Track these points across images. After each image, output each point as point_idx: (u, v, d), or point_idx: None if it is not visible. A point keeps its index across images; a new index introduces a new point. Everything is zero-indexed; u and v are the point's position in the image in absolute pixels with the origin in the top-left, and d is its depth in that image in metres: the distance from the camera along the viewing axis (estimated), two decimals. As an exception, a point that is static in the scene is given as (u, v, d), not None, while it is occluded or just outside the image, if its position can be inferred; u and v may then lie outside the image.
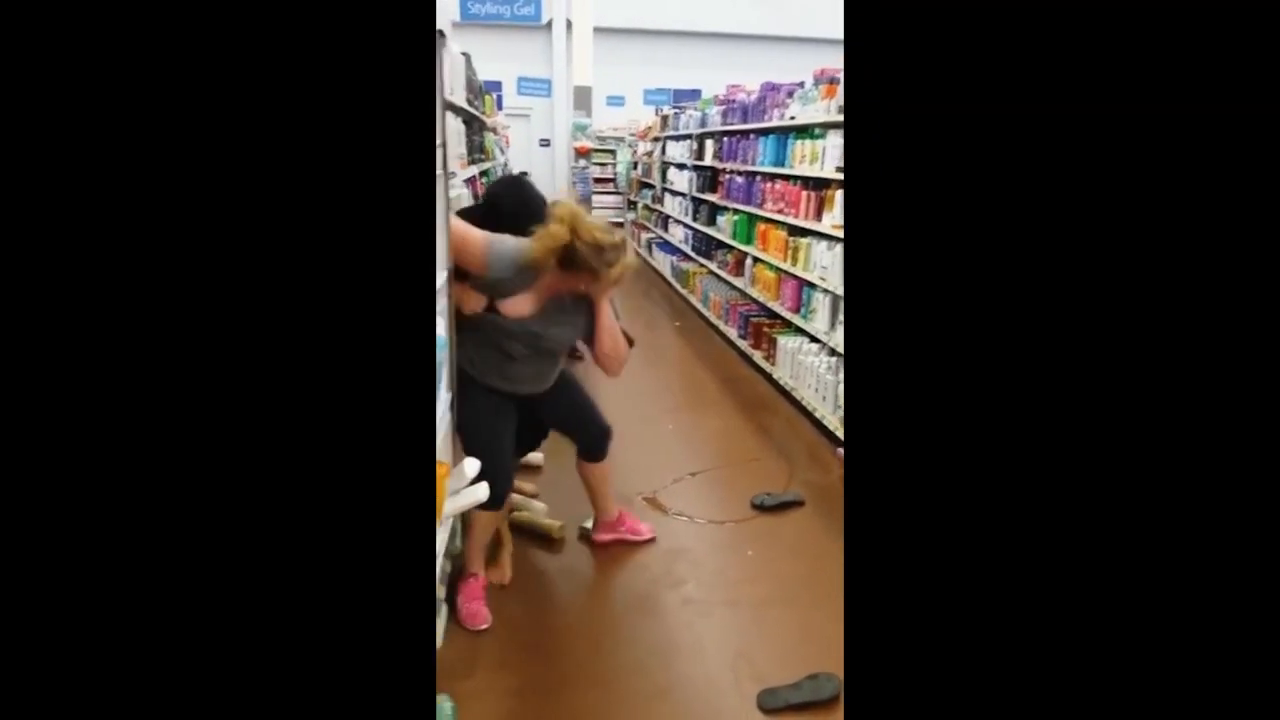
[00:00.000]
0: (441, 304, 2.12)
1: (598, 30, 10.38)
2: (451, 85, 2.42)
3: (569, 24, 10.57)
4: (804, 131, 3.93)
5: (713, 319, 5.46)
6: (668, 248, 7.45)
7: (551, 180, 10.53)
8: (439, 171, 2.12)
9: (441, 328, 1.97)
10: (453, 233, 1.94)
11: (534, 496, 2.83)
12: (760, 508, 2.84)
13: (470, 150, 3.45)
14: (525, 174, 2.46)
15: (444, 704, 1.74)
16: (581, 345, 2.26)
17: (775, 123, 4.35)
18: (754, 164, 4.69)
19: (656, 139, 8.04)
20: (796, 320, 3.99)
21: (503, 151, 6.82)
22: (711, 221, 5.72)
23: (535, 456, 3.14)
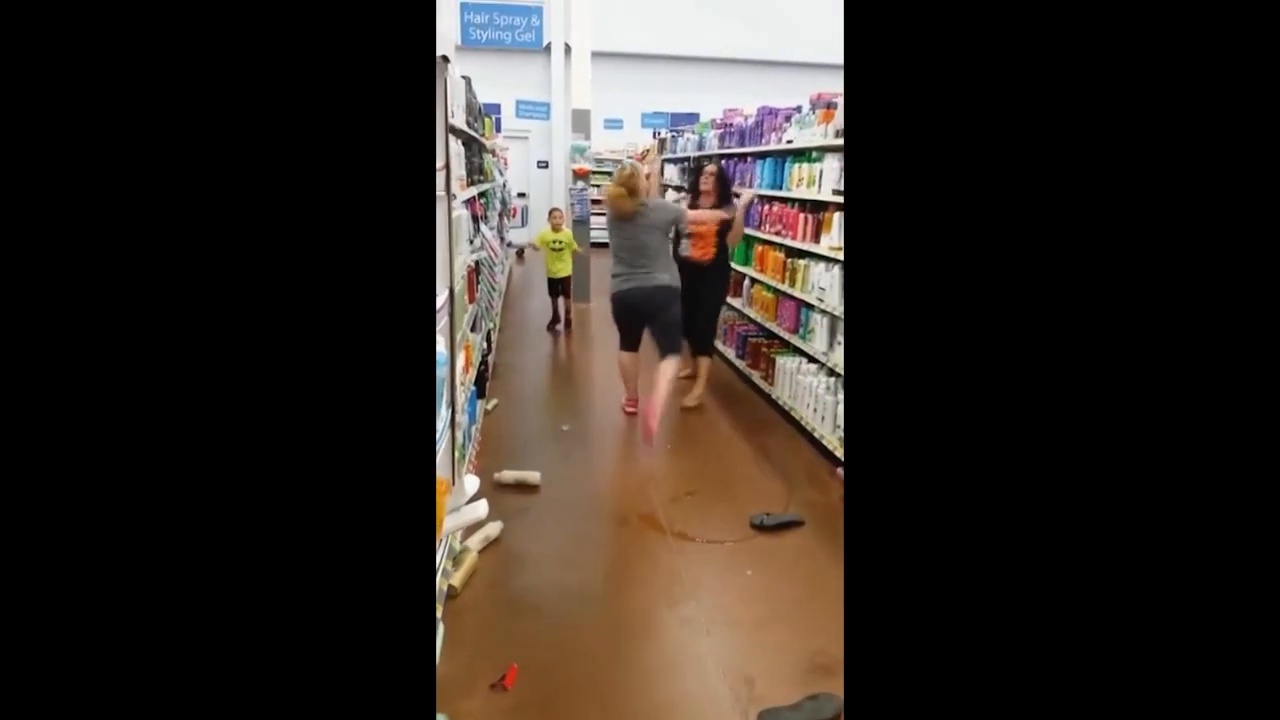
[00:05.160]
0: (442, 323, 2.14)
1: (596, 55, 10.50)
2: (452, 109, 2.45)
3: (568, 48, 10.70)
4: (801, 155, 3.97)
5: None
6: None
7: (549, 200, 10.60)
8: (441, 194, 2.15)
9: (442, 345, 1.98)
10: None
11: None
12: (759, 527, 2.84)
13: (470, 172, 3.48)
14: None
15: (442, 724, 1.73)
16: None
17: (773, 146, 4.40)
18: (751, 186, 4.73)
19: (654, 161, 8.11)
20: (795, 340, 4.00)
21: (501, 173, 6.87)
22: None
23: (533, 475, 3.15)
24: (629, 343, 3.87)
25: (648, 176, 3.72)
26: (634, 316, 3.75)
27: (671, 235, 3.88)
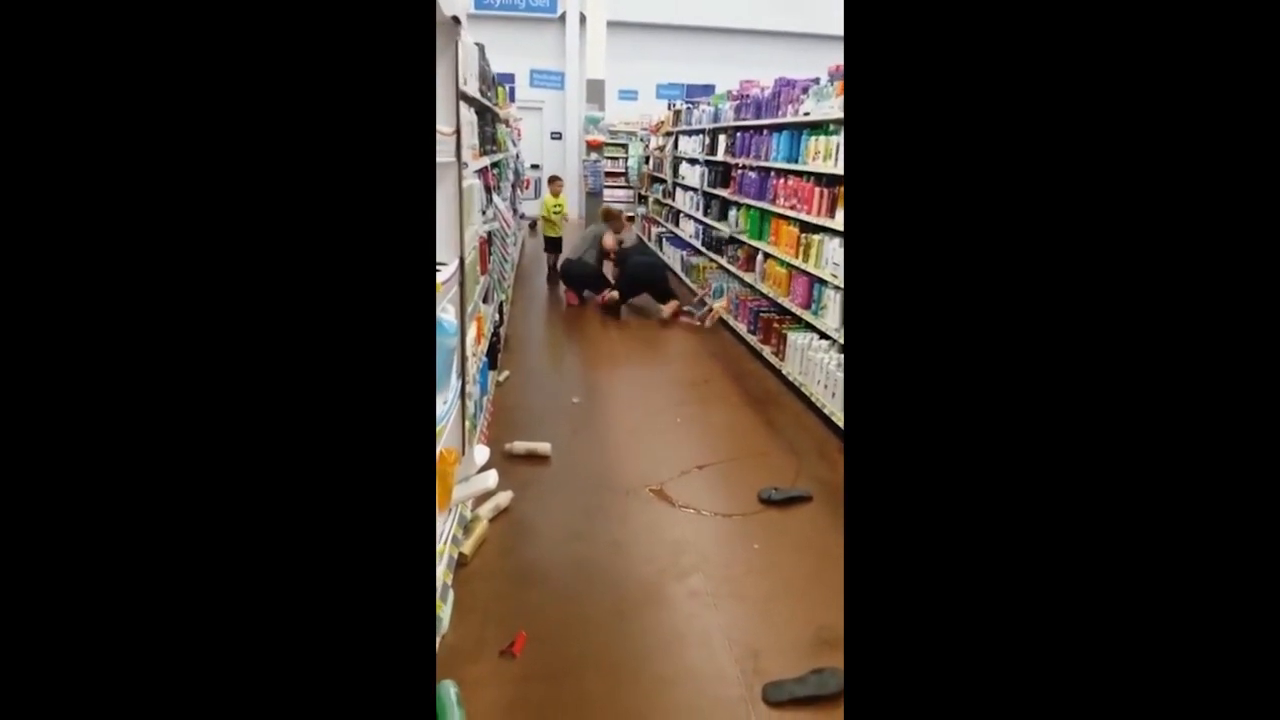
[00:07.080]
0: (453, 293, 2.13)
1: (611, 24, 10.35)
2: (465, 75, 2.42)
3: (583, 17, 10.54)
4: (818, 128, 3.91)
5: (721, 313, 5.45)
6: (678, 242, 7.43)
7: (562, 173, 10.56)
8: (451, 160, 2.13)
9: (453, 316, 1.97)
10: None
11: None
12: (767, 502, 2.84)
13: (482, 141, 3.44)
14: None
15: (449, 688, 1.75)
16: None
17: (789, 118, 4.33)
18: (767, 159, 4.67)
19: (669, 133, 8.02)
20: (806, 316, 3.98)
21: (514, 144, 6.83)
22: (723, 216, 5.71)
23: (544, 446, 3.16)
24: (574, 287, 6.37)
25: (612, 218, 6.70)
26: (568, 274, 6.31)
27: (599, 244, 6.30)
